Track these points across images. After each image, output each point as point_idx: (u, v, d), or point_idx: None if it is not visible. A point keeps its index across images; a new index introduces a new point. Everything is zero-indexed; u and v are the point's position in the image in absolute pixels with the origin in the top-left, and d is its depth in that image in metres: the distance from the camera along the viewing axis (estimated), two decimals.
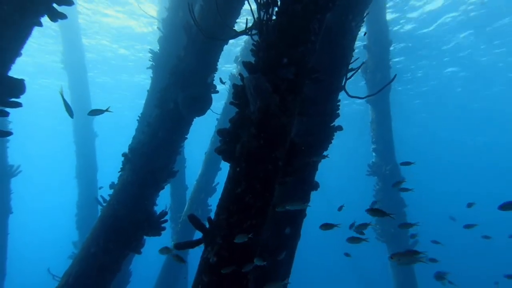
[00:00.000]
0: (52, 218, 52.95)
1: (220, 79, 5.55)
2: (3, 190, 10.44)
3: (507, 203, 3.80)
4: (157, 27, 8.74)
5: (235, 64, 13.50)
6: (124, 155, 5.94)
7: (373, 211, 3.69)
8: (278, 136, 3.03)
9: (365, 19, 4.69)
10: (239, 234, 2.73)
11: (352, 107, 25.84)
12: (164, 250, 4.47)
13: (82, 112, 10.52)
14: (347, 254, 6.79)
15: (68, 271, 5.41)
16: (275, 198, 3.07)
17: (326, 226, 3.96)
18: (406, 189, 7.15)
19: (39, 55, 22.36)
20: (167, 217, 5.97)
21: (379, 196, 11.39)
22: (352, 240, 4.31)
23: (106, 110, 5.26)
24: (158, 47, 8.26)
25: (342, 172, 42.50)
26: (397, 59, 19.99)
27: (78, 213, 13.84)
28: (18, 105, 3.93)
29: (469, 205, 5.66)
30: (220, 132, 3.32)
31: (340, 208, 5.14)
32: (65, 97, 5.17)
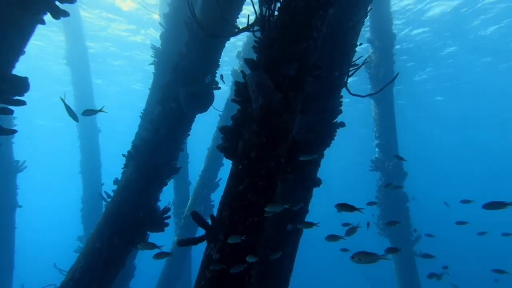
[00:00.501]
0: (55, 216, 53.60)
1: (221, 75, 5.53)
2: (10, 185, 10.59)
3: (490, 203, 3.94)
4: (159, 23, 8.72)
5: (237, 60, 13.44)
6: (127, 152, 5.98)
7: (341, 206, 3.60)
8: (280, 134, 3.03)
9: (368, 13, 4.63)
10: (233, 235, 2.76)
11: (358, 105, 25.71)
12: (148, 246, 4.39)
13: (86, 108, 10.56)
14: (344, 250, 6.79)
15: (73, 266, 5.50)
16: (277, 195, 3.09)
17: (306, 225, 3.92)
18: (398, 186, 7.23)
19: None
20: (170, 213, 6.03)
21: (382, 191, 11.39)
22: (330, 238, 4.32)
23: (100, 110, 5.29)
24: (160, 43, 8.25)
25: (347, 169, 42.41)
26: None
27: (83, 208, 14.01)
28: (22, 103, 3.96)
29: (464, 201, 5.64)
30: (222, 129, 3.33)
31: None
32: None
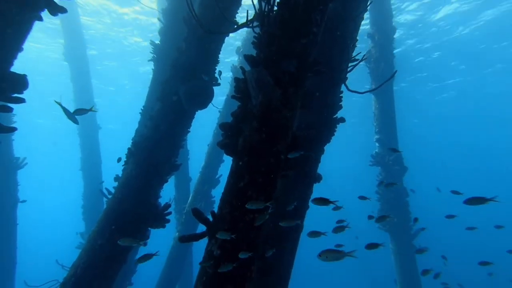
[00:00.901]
0: (56, 213, 53.79)
1: (220, 72, 5.51)
2: (10, 182, 10.62)
3: (471, 198, 4.04)
4: (157, 18, 8.66)
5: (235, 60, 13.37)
6: (127, 149, 5.98)
7: (316, 200, 3.60)
8: (280, 130, 3.03)
9: (368, 7, 4.59)
10: (233, 232, 2.77)
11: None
12: (129, 241, 4.39)
13: (85, 104, 10.58)
14: (339, 246, 6.84)
15: (76, 263, 5.54)
16: (277, 191, 3.09)
17: (289, 222, 3.93)
18: (391, 184, 7.27)
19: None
20: (171, 209, 6.05)
21: (382, 186, 11.41)
22: (312, 234, 4.33)
23: (90, 110, 5.29)
24: (159, 39, 8.20)
25: (348, 167, 42.42)
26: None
27: (84, 204, 14.07)
28: (21, 100, 3.95)
29: (454, 192, 5.67)
30: (222, 126, 3.32)
31: (337, 208, 5.14)
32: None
